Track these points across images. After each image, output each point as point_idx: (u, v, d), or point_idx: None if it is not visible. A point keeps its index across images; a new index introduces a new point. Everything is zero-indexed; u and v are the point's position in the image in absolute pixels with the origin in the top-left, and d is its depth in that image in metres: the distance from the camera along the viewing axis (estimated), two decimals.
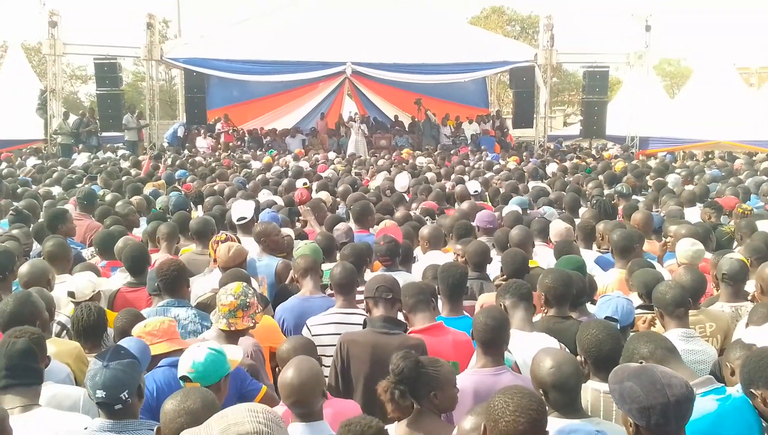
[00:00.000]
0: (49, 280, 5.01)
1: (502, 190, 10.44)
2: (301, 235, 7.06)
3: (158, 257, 6.01)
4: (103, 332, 4.32)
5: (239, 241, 5.96)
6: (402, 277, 4.99)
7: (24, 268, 5.05)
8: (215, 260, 5.65)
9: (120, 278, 5.64)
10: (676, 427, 2.60)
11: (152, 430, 2.87)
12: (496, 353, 3.63)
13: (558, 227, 6.60)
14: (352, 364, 4.08)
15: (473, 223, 6.85)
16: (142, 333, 3.85)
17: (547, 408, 2.76)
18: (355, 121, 22.56)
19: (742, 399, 3.19)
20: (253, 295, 4.17)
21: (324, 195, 9.37)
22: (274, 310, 5.09)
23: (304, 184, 10.92)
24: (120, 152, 19.95)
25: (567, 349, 3.88)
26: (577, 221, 7.78)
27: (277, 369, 3.82)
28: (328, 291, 5.15)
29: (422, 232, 6.62)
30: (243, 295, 4.06)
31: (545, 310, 4.40)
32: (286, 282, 5.75)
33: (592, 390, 3.39)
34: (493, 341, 3.61)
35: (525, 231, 6.25)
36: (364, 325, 4.20)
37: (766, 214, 8.20)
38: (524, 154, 19.30)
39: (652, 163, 17.86)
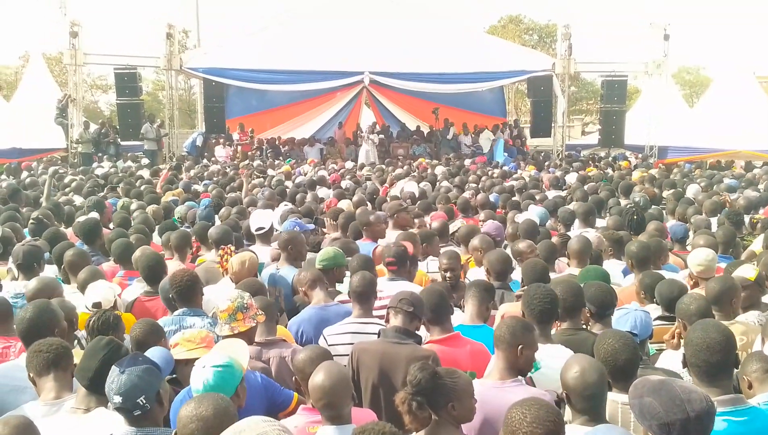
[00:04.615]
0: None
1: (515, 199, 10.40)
2: (319, 246, 7.04)
3: (171, 266, 6.04)
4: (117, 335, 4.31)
5: (253, 251, 5.98)
6: (411, 288, 4.92)
7: (32, 284, 5.02)
8: (226, 270, 5.72)
9: (138, 287, 5.68)
10: None
11: None
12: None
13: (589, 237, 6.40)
14: (361, 371, 4.10)
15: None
16: (181, 340, 3.91)
17: (565, 419, 2.74)
18: (365, 131, 22.62)
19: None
20: (250, 298, 4.33)
21: (345, 204, 9.39)
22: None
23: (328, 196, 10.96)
24: (143, 161, 20.15)
25: None
26: (593, 232, 7.72)
27: (294, 378, 3.84)
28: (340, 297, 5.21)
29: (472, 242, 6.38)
30: (239, 298, 4.28)
31: (558, 323, 4.36)
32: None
33: (610, 401, 3.34)
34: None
35: (550, 244, 6.18)
36: (379, 334, 4.21)
37: None
38: (545, 163, 19.17)
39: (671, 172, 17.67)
